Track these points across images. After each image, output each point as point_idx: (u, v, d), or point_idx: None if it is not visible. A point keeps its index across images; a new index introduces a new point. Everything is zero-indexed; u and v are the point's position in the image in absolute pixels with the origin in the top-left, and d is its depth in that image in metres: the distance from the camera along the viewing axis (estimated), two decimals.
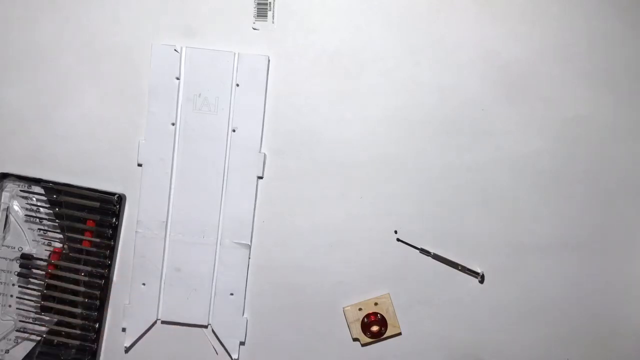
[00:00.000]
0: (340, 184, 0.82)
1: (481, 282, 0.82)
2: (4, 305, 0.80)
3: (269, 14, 0.80)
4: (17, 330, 0.80)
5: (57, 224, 0.80)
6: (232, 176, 0.81)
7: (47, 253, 0.80)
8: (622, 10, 0.82)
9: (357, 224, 0.82)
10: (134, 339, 0.81)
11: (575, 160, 0.82)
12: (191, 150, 0.80)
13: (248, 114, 0.80)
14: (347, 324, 0.82)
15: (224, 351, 0.82)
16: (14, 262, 0.80)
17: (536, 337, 0.83)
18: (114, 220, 0.80)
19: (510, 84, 0.82)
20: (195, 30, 0.80)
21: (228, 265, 0.81)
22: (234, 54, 0.80)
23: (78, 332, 0.80)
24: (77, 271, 0.80)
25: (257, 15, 0.80)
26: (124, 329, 0.81)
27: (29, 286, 0.79)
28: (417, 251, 0.82)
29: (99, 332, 0.80)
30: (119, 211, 0.80)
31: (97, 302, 0.80)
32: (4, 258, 0.80)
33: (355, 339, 0.82)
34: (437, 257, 0.82)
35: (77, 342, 0.80)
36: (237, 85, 0.80)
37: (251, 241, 0.81)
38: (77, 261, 0.80)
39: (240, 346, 0.82)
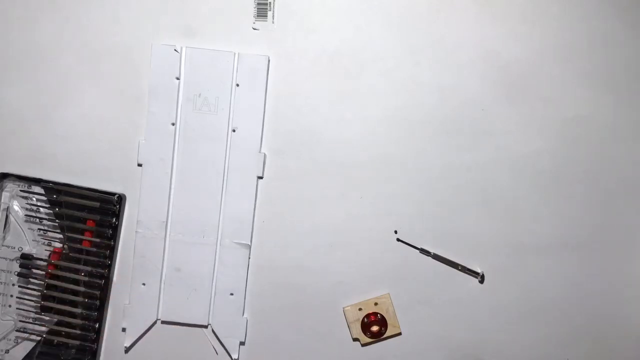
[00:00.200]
0: (340, 184, 0.82)
1: (481, 282, 0.82)
2: (4, 305, 0.80)
3: (269, 14, 0.80)
4: (17, 330, 0.80)
5: (57, 224, 0.80)
6: (232, 176, 0.81)
7: (47, 253, 0.80)
8: (622, 10, 0.82)
9: (357, 224, 0.82)
10: (134, 339, 0.81)
11: (575, 160, 0.82)
12: (191, 150, 0.80)
13: (248, 114, 0.80)
14: (347, 324, 0.82)
15: (224, 351, 0.82)
16: (14, 262, 0.80)
17: (536, 337, 0.83)
18: (114, 220, 0.80)
19: (510, 84, 0.82)
20: (195, 30, 0.80)
21: (228, 265, 0.81)
22: (234, 54, 0.80)
23: (78, 332, 0.80)
24: (77, 271, 0.80)
25: (257, 15, 0.80)
26: (124, 329, 0.81)
27: (29, 286, 0.80)
28: (417, 251, 0.82)
29: (99, 332, 0.80)
30: (119, 211, 0.80)
31: (97, 302, 0.80)
32: (4, 258, 0.80)
33: (355, 339, 0.82)
34: (437, 257, 0.82)
35: (77, 342, 0.80)
36: (237, 85, 0.80)
37: (251, 241, 0.81)
38: (77, 261, 0.80)
39: (240, 346, 0.82)
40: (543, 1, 0.81)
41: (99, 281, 0.80)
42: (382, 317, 0.81)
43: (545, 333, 0.83)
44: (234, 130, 0.80)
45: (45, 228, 0.80)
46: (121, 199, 0.80)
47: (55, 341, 0.80)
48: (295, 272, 0.82)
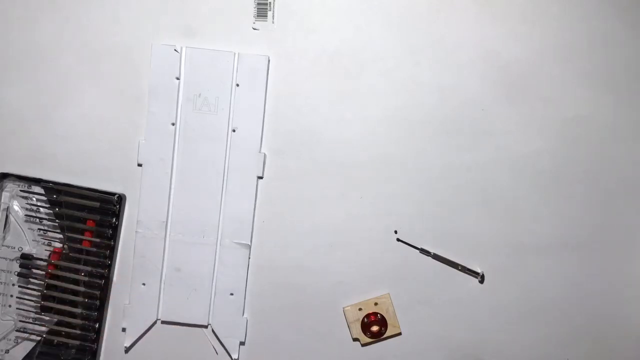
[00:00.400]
0: (340, 184, 0.82)
1: (481, 282, 0.82)
2: (4, 305, 0.80)
3: (269, 14, 0.80)
4: (17, 330, 0.80)
5: (57, 224, 0.80)
6: (232, 176, 0.81)
7: (47, 253, 0.80)
8: (622, 10, 0.82)
9: (357, 224, 0.82)
10: (134, 339, 0.81)
11: (575, 160, 0.82)
12: (191, 150, 0.80)
13: (248, 114, 0.80)
14: (347, 324, 0.82)
15: (224, 351, 0.82)
16: (14, 262, 0.80)
17: (536, 337, 0.83)
18: (114, 220, 0.80)
19: (510, 84, 0.82)
20: (195, 30, 0.80)
21: (228, 265, 0.81)
22: (234, 54, 0.80)
23: (78, 332, 0.80)
24: (77, 271, 0.80)
25: (257, 15, 0.80)
26: (124, 329, 0.81)
27: (29, 286, 0.80)
28: (417, 251, 0.82)
29: (99, 332, 0.80)
30: (119, 211, 0.80)
31: (97, 302, 0.80)
32: (4, 258, 0.80)
33: (355, 339, 0.82)
34: (437, 257, 0.82)
35: (77, 342, 0.80)
36: (237, 85, 0.80)
37: (251, 241, 0.81)
38: (77, 261, 0.80)
39: (240, 346, 0.82)
40: (543, 1, 0.81)
41: (99, 281, 0.80)
42: (382, 317, 0.81)
43: (545, 333, 0.83)
44: (234, 130, 0.80)
45: (45, 228, 0.80)
46: (121, 199, 0.80)
47: (55, 341, 0.80)
48: (295, 272, 0.82)
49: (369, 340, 0.82)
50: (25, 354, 0.80)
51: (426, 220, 0.82)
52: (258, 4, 0.80)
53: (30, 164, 0.81)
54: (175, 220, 0.81)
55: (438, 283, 0.82)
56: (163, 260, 0.81)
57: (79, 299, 0.80)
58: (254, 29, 0.81)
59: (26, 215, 0.80)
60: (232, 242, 0.81)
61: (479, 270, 0.82)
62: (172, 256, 0.81)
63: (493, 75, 0.81)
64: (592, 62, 0.82)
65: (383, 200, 0.82)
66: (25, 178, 0.80)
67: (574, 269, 0.83)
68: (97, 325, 0.80)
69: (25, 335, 0.80)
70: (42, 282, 0.79)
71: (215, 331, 0.81)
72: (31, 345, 0.80)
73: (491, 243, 0.82)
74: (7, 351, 0.80)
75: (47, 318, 0.80)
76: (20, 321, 0.80)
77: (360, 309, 0.82)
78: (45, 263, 0.79)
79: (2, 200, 0.80)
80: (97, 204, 0.79)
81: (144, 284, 0.81)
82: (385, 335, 0.82)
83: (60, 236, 0.80)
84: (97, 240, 0.80)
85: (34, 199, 0.80)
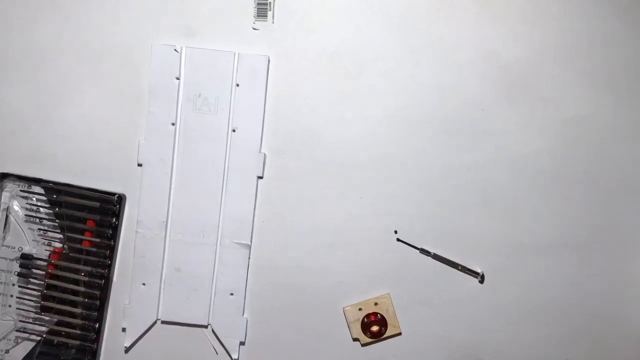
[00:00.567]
0: (340, 184, 0.82)
1: (481, 282, 0.82)
2: (4, 305, 0.80)
3: (269, 14, 0.80)
4: (17, 330, 0.80)
5: (57, 224, 0.80)
6: (232, 176, 0.81)
7: (47, 253, 0.80)
8: (622, 10, 0.82)
9: (357, 224, 0.82)
10: (134, 339, 0.81)
11: (575, 160, 0.82)
12: (191, 150, 0.80)
13: (248, 114, 0.80)
14: (347, 324, 0.82)
15: (224, 351, 0.82)
16: (14, 262, 0.80)
17: (536, 337, 0.83)
18: (114, 220, 0.80)
19: (510, 84, 0.82)
20: (195, 30, 0.80)
21: (228, 265, 0.81)
22: (234, 54, 0.80)
23: (78, 332, 0.80)
24: (77, 271, 0.80)
25: (257, 15, 0.80)
26: (124, 329, 0.81)
27: (29, 286, 0.79)
28: (417, 251, 0.82)
29: (99, 332, 0.80)
30: (119, 211, 0.80)
31: (97, 302, 0.80)
32: (4, 258, 0.80)
33: (355, 339, 0.82)
34: (437, 257, 0.82)
35: (77, 342, 0.80)
36: (237, 85, 0.80)
37: (251, 241, 0.81)
38: (77, 261, 0.80)
39: (240, 346, 0.82)
40: (543, 1, 0.81)
41: (99, 281, 0.80)
42: (382, 317, 0.81)
43: (545, 333, 0.83)
44: (234, 130, 0.80)
45: (45, 228, 0.80)
46: (121, 199, 0.80)
47: (55, 341, 0.80)
48: (295, 272, 0.82)
49: (369, 340, 0.82)
50: (25, 354, 0.80)
51: (426, 220, 0.82)
52: (258, 4, 0.80)
53: (30, 164, 0.81)
54: (175, 220, 0.81)
55: (438, 283, 0.82)
56: (163, 260, 0.81)
57: (79, 299, 0.80)
58: (254, 29, 0.81)
59: (26, 215, 0.80)
60: (232, 242, 0.81)
61: (479, 270, 0.82)
62: (172, 256, 0.81)
63: (493, 75, 0.81)
64: (592, 62, 0.82)
65: (383, 200, 0.82)
66: (25, 178, 0.80)
67: (574, 269, 0.83)
68: (97, 325, 0.80)
69: (25, 335, 0.80)
70: (42, 282, 0.79)
71: (215, 331, 0.81)
72: (31, 345, 0.80)
73: (491, 243, 0.82)
74: (7, 351, 0.80)
75: (47, 318, 0.80)
76: (20, 321, 0.80)
77: (360, 309, 0.82)
78: (45, 263, 0.79)
79: (2, 200, 0.80)
80: (97, 204, 0.79)
81: (144, 284, 0.81)
82: (385, 335, 0.82)
83: (60, 236, 0.80)
84: (97, 240, 0.80)
85: (34, 199, 0.80)
